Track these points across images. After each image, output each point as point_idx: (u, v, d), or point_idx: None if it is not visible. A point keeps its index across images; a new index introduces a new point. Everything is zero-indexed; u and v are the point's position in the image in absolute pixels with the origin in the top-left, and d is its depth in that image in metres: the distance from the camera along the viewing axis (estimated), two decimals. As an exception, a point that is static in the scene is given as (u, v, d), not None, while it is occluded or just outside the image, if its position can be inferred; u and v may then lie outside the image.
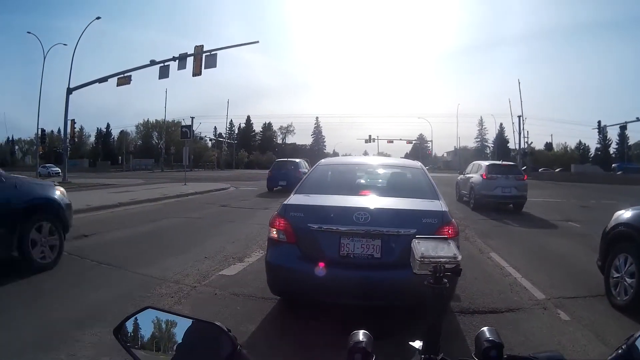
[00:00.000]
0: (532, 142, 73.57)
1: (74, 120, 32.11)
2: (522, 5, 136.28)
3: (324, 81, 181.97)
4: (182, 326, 0.94)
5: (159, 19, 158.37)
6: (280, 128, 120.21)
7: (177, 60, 26.54)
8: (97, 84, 28.98)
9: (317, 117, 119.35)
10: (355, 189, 5.02)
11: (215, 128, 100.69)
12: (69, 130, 31.35)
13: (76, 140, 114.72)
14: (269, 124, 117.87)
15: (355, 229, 3.87)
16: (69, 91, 29.42)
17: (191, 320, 0.95)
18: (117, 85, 28.85)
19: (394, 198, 4.62)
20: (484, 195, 14.66)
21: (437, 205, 4.39)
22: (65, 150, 31.40)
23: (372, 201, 4.39)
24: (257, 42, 28.60)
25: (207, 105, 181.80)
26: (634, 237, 4.76)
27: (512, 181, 14.67)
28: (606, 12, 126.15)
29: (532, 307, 4.88)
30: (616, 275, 4.92)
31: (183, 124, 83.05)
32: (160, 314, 0.97)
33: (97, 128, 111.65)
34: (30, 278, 5.58)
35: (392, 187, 5.27)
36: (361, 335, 1.06)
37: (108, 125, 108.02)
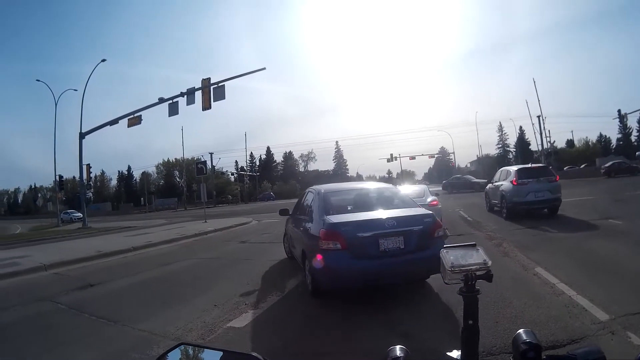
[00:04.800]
0: (554, 141, 72.52)
1: (89, 165, 32.75)
2: (524, 4, 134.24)
3: (341, 104, 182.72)
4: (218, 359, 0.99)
5: (170, 57, 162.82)
6: (302, 156, 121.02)
7: (186, 96, 26.65)
8: (109, 126, 29.49)
9: (337, 142, 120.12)
10: (363, 206, 6.75)
11: (236, 162, 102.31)
12: (84, 175, 31.51)
13: (98, 184, 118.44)
14: (290, 152, 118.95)
15: (388, 232, 5.75)
16: (82, 136, 30.09)
17: (227, 352, 1.03)
18: (128, 127, 29.25)
19: (396, 209, 6.52)
20: (517, 202, 14.02)
21: (426, 210, 6.61)
22: (83, 195, 31.85)
23: (388, 213, 6.21)
24: (264, 68, 28.39)
25: (227, 140, 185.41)
26: None
27: (544, 184, 14.00)
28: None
29: (598, 332, 4.24)
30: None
31: (202, 160, 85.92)
32: (194, 349, 1.07)
33: (119, 171, 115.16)
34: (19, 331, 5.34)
35: (385, 202, 6.99)
36: (398, 350, 1.15)
37: (129, 168, 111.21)
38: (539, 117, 58.26)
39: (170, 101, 27.33)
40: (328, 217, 6.18)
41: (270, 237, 14.84)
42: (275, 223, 21.31)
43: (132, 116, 29.01)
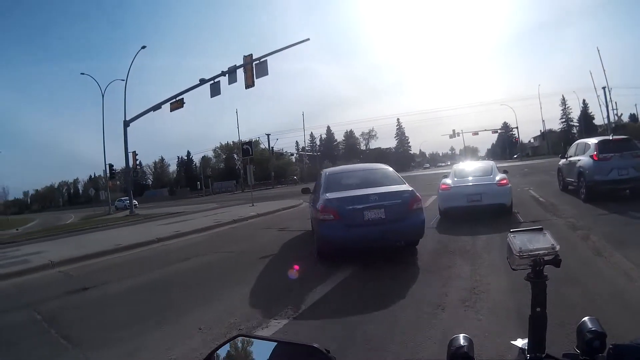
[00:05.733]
0: (621, 114, 66.66)
1: (135, 152, 32.51)
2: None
3: (403, 81, 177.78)
4: (277, 351, 0.98)
5: (226, 44, 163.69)
6: (362, 134, 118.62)
7: (227, 75, 25.20)
8: (154, 112, 28.91)
9: (398, 119, 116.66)
10: (357, 184, 7.87)
11: (297, 142, 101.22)
12: (131, 162, 31.16)
13: (159, 170, 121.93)
14: (351, 131, 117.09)
15: (371, 205, 6.97)
16: (126, 124, 29.68)
17: (287, 343, 1.05)
18: (170, 111, 28.44)
19: (383, 186, 7.61)
20: (599, 181, 11.47)
21: (407, 187, 7.58)
22: (130, 183, 31.41)
23: (374, 190, 7.36)
24: (308, 39, 26.16)
25: (288, 122, 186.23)
26: None
27: (629, 160, 11.39)
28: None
29: None
30: None
31: (260, 142, 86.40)
32: (253, 341, 1.03)
33: (178, 156, 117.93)
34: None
35: (375, 181, 8.02)
36: (462, 339, 1.09)
37: (188, 153, 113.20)
38: (604, 88, 53.38)
39: (212, 81, 26.02)
40: (326, 194, 7.52)
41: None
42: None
43: (174, 100, 28.12)
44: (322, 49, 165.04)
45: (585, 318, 1.07)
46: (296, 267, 6.88)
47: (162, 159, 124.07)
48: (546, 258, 1.11)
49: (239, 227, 14.23)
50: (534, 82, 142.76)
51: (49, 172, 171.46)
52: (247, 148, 22.61)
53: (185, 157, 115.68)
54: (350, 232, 6.86)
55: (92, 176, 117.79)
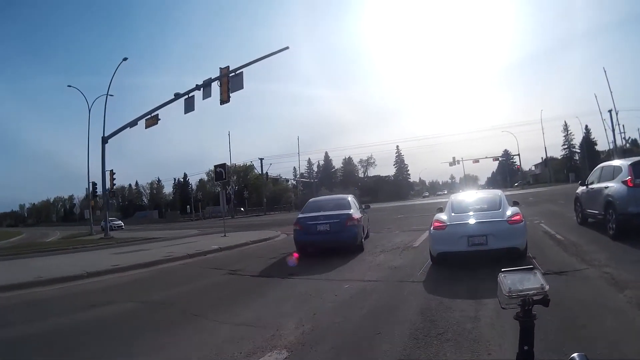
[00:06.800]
0: (629, 138, 64.69)
1: (112, 170, 30.71)
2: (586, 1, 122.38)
3: (401, 108, 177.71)
4: None
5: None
6: (361, 161, 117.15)
7: (202, 89, 23.67)
8: (128, 128, 27.71)
9: (397, 146, 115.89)
10: (319, 208, 12.51)
11: (294, 168, 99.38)
12: (108, 181, 29.34)
13: (154, 191, 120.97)
14: (349, 158, 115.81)
15: (320, 222, 11.42)
16: (104, 140, 28.24)
17: None
18: (145, 128, 27.16)
19: (334, 211, 11.89)
20: (635, 213, 9.13)
21: (347, 211, 11.79)
22: (106, 203, 29.63)
23: (327, 213, 11.80)
24: (287, 48, 24.34)
25: (286, 147, 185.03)
26: None
27: None
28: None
29: None
30: None
31: (254, 168, 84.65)
32: None
33: (174, 178, 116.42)
34: None
35: (335, 206, 12.41)
36: (577, 358, 1.15)
37: (185, 175, 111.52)
38: (610, 111, 52.61)
39: (187, 96, 24.57)
40: (299, 214, 12.67)
41: (274, 263, 11.19)
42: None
43: (149, 116, 26.77)
44: (323, 73, 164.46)
45: (574, 354, 1.15)
46: (295, 255, 11.62)
47: (158, 180, 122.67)
48: (535, 298, 1.21)
49: (189, 265, 12.17)
50: (536, 108, 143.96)
51: (50, 186, 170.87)
52: (220, 171, 20.53)
53: (182, 179, 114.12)
54: (308, 237, 11.75)
55: (72, 196, 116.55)
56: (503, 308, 1.25)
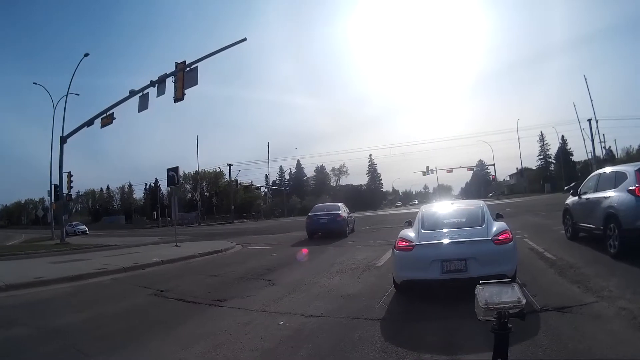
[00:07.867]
0: (609, 147, 65.55)
1: (70, 172, 29.45)
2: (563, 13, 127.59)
3: (375, 116, 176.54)
4: None
5: (207, 71, 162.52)
6: (333, 170, 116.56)
7: (157, 85, 22.86)
8: (85, 128, 26.75)
9: (370, 155, 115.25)
10: (322, 210, 22.03)
11: (266, 176, 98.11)
12: (65, 184, 28.08)
13: (126, 195, 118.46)
14: (322, 166, 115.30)
15: (322, 218, 20.74)
16: (63, 140, 27.12)
17: None
18: (101, 127, 26.25)
19: (330, 211, 21.21)
20: None
21: (339, 212, 21.14)
22: (61, 207, 28.26)
23: (325, 212, 21.24)
24: (245, 39, 23.38)
25: (259, 154, 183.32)
26: None
27: None
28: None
29: None
30: None
31: (223, 174, 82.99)
32: None
33: (145, 183, 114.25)
34: None
35: (330, 209, 21.80)
36: None
37: (156, 180, 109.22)
38: (589, 120, 53.39)
39: (141, 93, 23.71)
40: (309, 213, 21.79)
41: (216, 282, 10.22)
42: (265, 251, 17.03)
43: (104, 115, 25.85)
44: (300, 82, 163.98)
45: None
46: (305, 250, 13.71)
47: (129, 185, 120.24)
48: (511, 311, 1.24)
49: (118, 281, 11.01)
50: (512, 118, 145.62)
51: (23, 188, 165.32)
52: (173, 175, 19.27)
53: (153, 184, 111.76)
54: (314, 226, 20.53)
55: (43, 199, 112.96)
56: (479, 320, 1.28)
